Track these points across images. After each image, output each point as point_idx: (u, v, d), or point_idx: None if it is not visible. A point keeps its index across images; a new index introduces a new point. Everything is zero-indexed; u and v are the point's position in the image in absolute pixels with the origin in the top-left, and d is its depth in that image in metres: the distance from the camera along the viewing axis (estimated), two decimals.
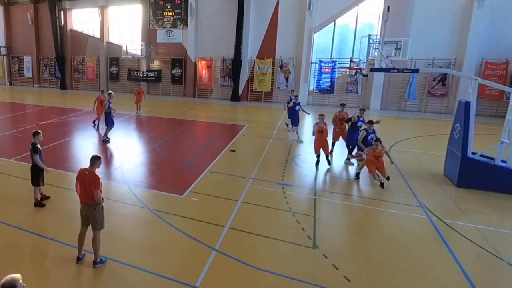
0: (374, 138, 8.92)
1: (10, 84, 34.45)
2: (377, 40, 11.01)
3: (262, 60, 23.76)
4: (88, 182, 5.18)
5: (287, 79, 23.29)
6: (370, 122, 9.64)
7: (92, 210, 5.24)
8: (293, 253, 5.75)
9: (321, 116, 10.26)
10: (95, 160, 5.31)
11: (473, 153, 8.68)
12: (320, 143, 9.98)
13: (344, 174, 9.82)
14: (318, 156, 10.13)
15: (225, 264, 5.43)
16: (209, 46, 25.16)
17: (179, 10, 25.72)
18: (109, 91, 13.72)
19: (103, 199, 5.30)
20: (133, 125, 16.74)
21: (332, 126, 11.38)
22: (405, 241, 6.18)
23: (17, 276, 2.88)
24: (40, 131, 7.35)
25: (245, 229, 6.47)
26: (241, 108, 22.09)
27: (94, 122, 15.19)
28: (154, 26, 26.82)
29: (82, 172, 5.32)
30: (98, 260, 5.31)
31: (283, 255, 5.69)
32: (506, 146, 8.43)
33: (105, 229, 5.47)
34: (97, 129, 14.66)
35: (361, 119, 10.59)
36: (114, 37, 29.22)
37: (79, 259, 5.40)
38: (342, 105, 11.92)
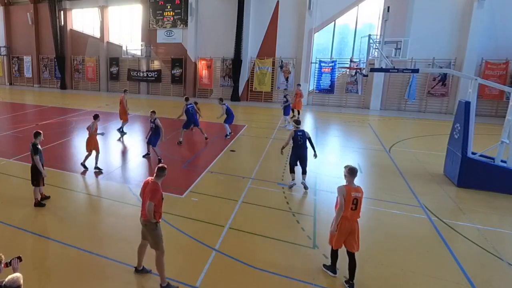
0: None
1: (10, 84, 34.44)
2: (377, 40, 11.02)
3: (262, 60, 23.74)
4: (147, 193, 4.80)
5: (287, 79, 23.26)
6: (297, 122, 8.69)
7: (143, 225, 4.90)
8: (293, 253, 5.75)
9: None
10: (160, 171, 4.86)
11: (473, 153, 8.67)
12: None
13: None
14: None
15: (225, 264, 5.43)
16: (209, 46, 25.15)
17: (179, 10, 25.71)
18: (220, 97, 13.99)
19: (156, 219, 4.77)
20: (133, 125, 16.72)
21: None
22: (405, 241, 6.18)
23: (20, 275, 2.89)
24: (41, 132, 7.38)
25: (245, 229, 6.47)
26: (241, 108, 22.07)
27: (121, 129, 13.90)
28: (154, 26, 26.81)
29: (146, 182, 4.97)
30: (165, 285, 4.84)
31: (283, 255, 5.69)
32: (506, 146, 8.43)
33: (105, 229, 5.46)
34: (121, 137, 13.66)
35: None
36: (114, 37, 29.19)
37: (137, 270, 5.20)
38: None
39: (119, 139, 13.44)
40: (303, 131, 8.44)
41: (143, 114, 18.68)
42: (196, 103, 13.82)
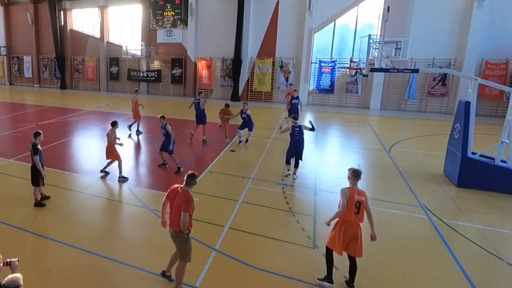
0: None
1: (10, 84, 34.44)
2: (377, 40, 11.02)
3: (262, 60, 23.75)
4: (178, 202, 4.50)
5: (287, 79, 23.26)
6: (294, 118, 9.23)
7: (174, 236, 4.63)
8: (293, 253, 5.75)
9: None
10: (191, 179, 4.63)
11: (473, 153, 8.68)
12: None
13: (344, 174, 9.80)
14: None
15: (225, 264, 5.43)
16: (209, 46, 25.16)
17: (179, 10, 25.71)
18: (245, 101, 14.25)
19: (189, 229, 4.53)
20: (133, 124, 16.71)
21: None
22: (405, 241, 6.18)
23: (20, 275, 2.88)
24: (41, 132, 7.37)
25: (245, 229, 6.47)
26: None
27: (131, 127, 14.65)
28: (154, 26, 26.81)
29: (174, 190, 4.68)
30: None
31: (283, 255, 5.69)
32: (506, 146, 8.44)
33: (105, 229, 5.45)
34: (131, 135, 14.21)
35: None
36: (114, 37, 29.20)
37: (164, 274, 5.06)
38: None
39: (135, 134, 14.25)
40: (300, 126, 9.00)
41: (143, 114, 18.63)
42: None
